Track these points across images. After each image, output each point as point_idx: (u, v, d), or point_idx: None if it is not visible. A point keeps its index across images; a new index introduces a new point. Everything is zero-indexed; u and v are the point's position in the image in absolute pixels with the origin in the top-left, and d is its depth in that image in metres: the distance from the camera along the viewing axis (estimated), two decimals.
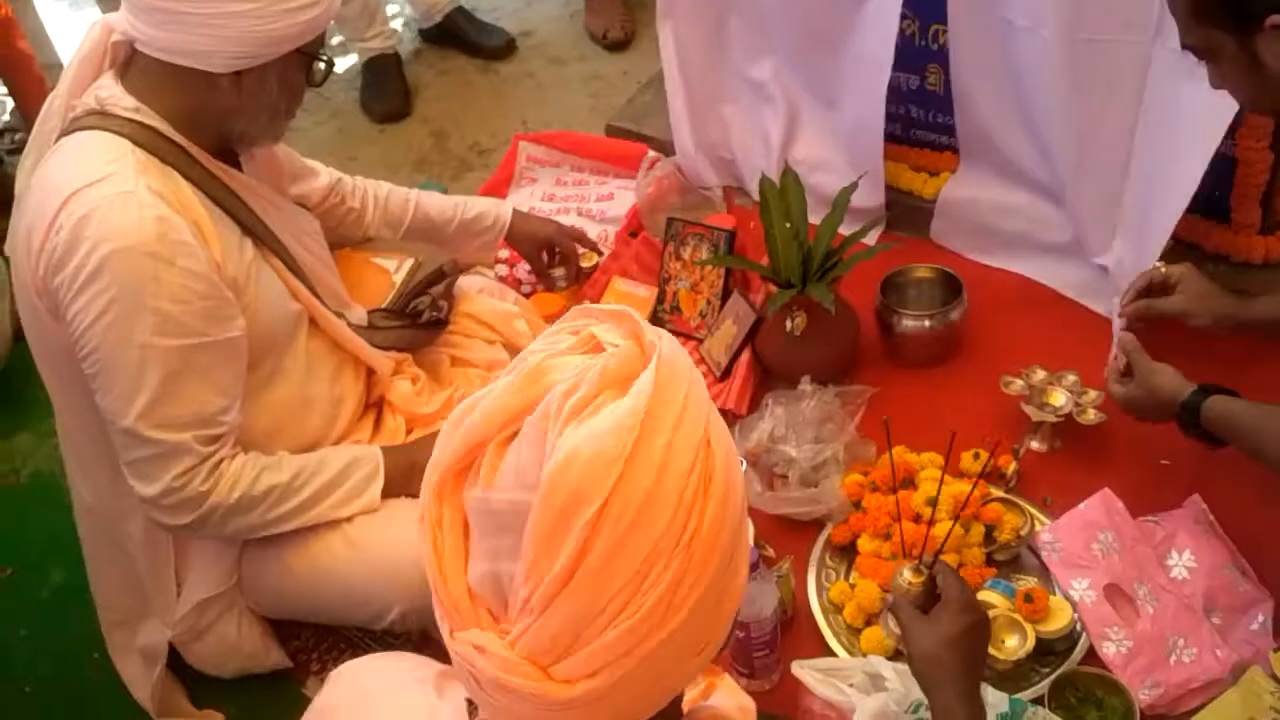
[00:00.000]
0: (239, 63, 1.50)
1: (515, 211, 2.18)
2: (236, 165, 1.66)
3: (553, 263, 2.28)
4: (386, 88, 3.13)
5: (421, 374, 1.90)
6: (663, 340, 0.81)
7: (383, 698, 0.98)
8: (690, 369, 0.81)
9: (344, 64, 3.29)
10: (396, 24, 3.42)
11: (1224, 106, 1.78)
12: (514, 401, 0.79)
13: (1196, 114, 1.85)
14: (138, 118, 1.52)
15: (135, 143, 1.51)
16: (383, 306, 1.87)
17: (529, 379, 0.79)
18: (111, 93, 1.53)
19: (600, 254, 2.38)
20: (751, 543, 1.83)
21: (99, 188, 1.45)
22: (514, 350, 2.02)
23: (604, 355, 0.80)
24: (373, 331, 1.83)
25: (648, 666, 0.77)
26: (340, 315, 1.77)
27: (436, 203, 2.11)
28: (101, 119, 1.52)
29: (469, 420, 0.80)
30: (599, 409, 0.76)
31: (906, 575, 1.43)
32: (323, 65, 1.62)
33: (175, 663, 1.84)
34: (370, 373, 1.83)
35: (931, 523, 1.67)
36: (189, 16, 1.45)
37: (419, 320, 1.89)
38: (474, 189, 2.76)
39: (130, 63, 1.57)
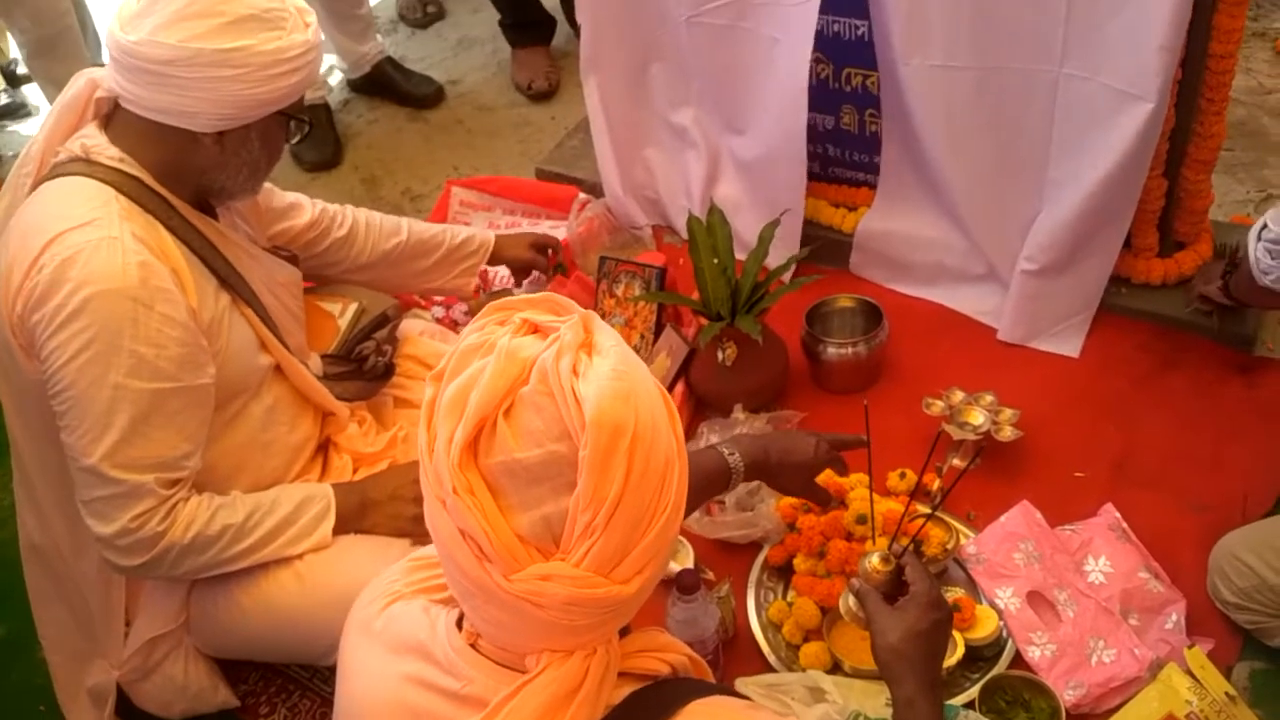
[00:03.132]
0: (223, 124, 1.54)
1: (497, 235, 2.27)
2: (214, 215, 1.70)
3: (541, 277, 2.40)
4: (317, 137, 3.17)
5: (368, 415, 1.94)
6: (581, 309, 1.00)
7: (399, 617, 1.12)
8: None
9: None
10: (327, 75, 3.48)
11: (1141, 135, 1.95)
12: (503, 382, 0.93)
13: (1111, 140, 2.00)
14: (122, 167, 1.56)
15: (119, 191, 1.54)
16: (329, 352, 1.90)
17: (508, 361, 0.94)
18: (96, 142, 1.57)
19: (561, 266, 2.45)
20: (692, 565, 1.89)
21: (84, 231, 1.49)
22: None
23: (560, 330, 0.95)
24: (331, 383, 1.86)
25: (667, 550, 1.00)
26: (304, 364, 1.80)
27: (426, 228, 2.17)
28: (86, 166, 1.56)
29: (472, 402, 0.93)
30: (588, 366, 0.92)
31: (874, 562, 1.39)
32: (302, 124, 1.66)
33: (122, 707, 1.83)
34: (324, 416, 1.86)
35: (864, 539, 1.73)
36: (176, 79, 1.48)
37: (364, 365, 1.92)
38: None
39: (114, 115, 1.60)
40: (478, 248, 2.22)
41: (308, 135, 1.70)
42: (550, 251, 2.37)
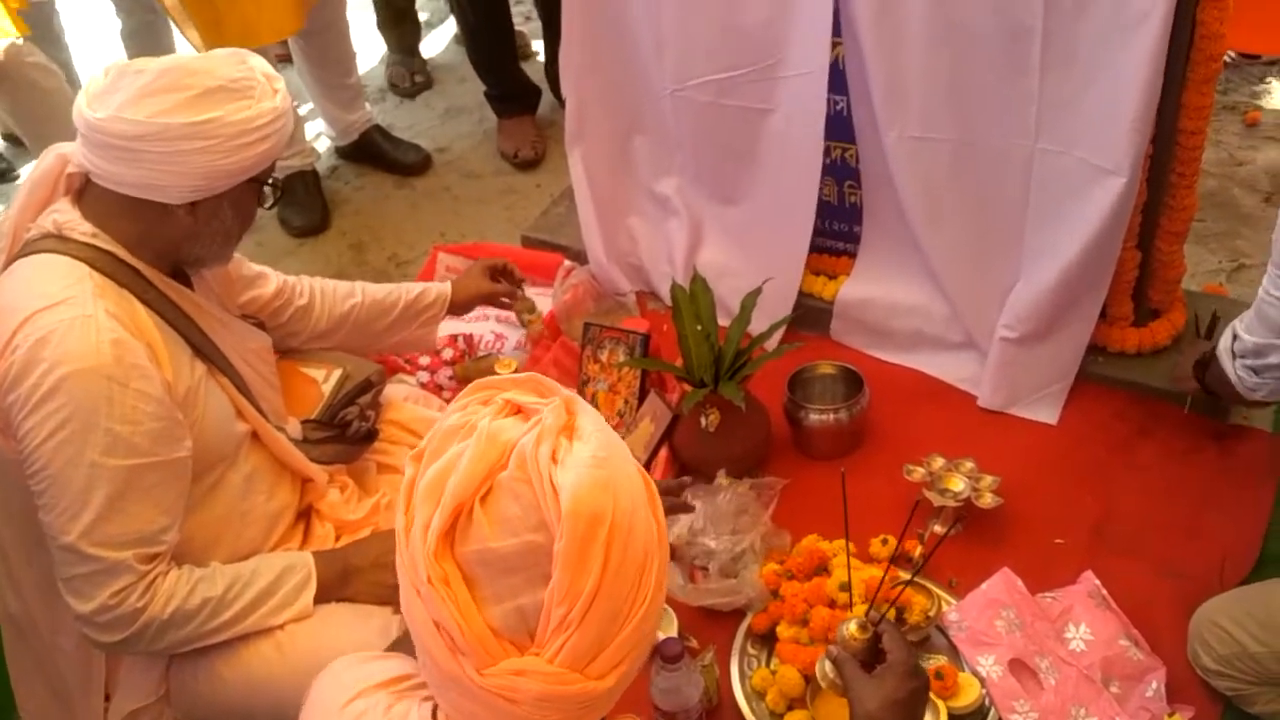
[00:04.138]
0: (195, 194, 1.55)
1: (452, 283, 2.25)
2: (188, 283, 1.70)
3: (511, 306, 2.37)
4: (304, 203, 3.19)
5: (350, 482, 1.93)
6: (565, 391, 0.99)
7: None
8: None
9: None
10: (315, 141, 3.52)
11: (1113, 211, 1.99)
12: (481, 467, 0.92)
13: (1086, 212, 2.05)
14: (95, 242, 1.56)
15: (93, 267, 1.54)
16: (312, 418, 1.91)
17: (488, 445, 0.93)
18: (69, 217, 1.57)
19: (520, 288, 2.42)
20: (675, 633, 1.89)
21: (58, 310, 1.49)
22: None
23: (541, 413, 0.94)
24: (309, 446, 1.86)
25: (645, 643, 0.97)
26: (280, 429, 1.81)
27: (379, 288, 2.17)
28: (59, 243, 1.56)
29: (449, 489, 0.92)
30: (568, 452, 0.91)
31: (851, 629, 1.40)
32: (275, 188, 1.68)
33: None
34: (304, 483, 1.86)
35: (847, 606, 1.74)
36: (146, 154, 1.49)
37: (348, 430, 1.93)
38: None
39: (85, 189, 1.60)
40: (434, 299, 2.21)
41: (286, 200, 1.71)
42: (506, 270, 2.33)
